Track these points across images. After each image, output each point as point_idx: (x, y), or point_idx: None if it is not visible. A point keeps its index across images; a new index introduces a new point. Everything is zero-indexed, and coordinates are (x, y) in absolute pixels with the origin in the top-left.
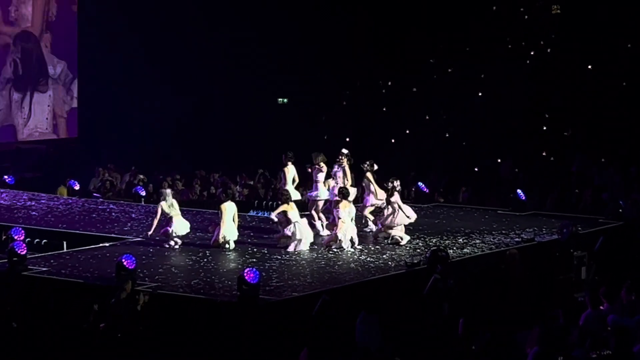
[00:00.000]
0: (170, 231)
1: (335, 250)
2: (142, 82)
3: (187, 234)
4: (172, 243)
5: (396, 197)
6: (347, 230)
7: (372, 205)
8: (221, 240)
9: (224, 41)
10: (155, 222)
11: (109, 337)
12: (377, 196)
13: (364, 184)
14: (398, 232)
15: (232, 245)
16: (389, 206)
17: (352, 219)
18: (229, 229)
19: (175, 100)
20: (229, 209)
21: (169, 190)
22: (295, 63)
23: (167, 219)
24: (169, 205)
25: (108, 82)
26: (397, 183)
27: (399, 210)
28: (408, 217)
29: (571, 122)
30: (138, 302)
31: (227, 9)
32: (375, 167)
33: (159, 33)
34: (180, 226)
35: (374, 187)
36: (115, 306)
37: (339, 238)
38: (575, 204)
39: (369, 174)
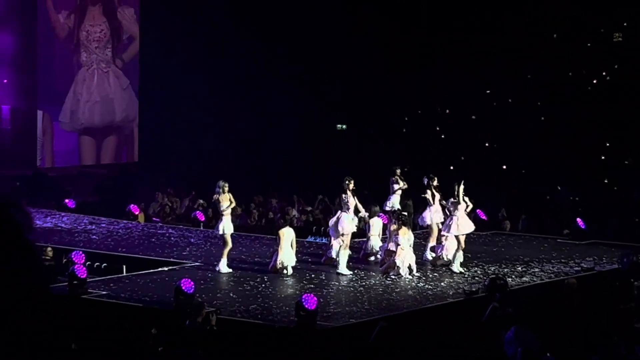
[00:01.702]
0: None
1: (393, 276)
2: (201, 109)
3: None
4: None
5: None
6: (405, 257)
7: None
8: (279, 265)
9: (283, 69)
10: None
11: None
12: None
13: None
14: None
15: (290, 271)
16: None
17: (410, 246)
18: (287, 255)
19: (235, 126)
20: (287, 235)
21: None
22: (354, 90)
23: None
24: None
25: (168, 107)
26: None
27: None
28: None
29: (632, 150)
30: (210, 322)
31: (287, 37)
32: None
33: (219, 60)
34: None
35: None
36: (191, 330)
37: (397, 265)
38: (636, 232)
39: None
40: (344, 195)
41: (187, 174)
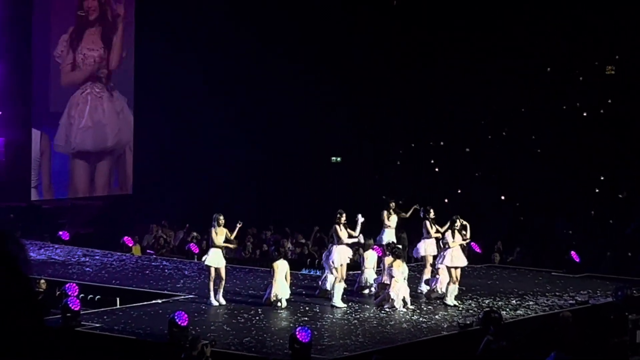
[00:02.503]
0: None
1: (387, 309)
2: (194, 143)
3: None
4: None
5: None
6: (399, 290)
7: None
8: (273, 298)
9: (277, 100)
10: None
11: None
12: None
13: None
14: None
15: (284, 304)
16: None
17: (405, 279)
18: (281, 287)
19: (229, 159)
20: (282, 267)
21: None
22: (349, 122)
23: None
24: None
25: (161, 141)
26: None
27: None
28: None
29: (626, 184)
30: (205, 354)
31: (279, 67)
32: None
33: (213, 94)
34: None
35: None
36: None
37: (392, 297)
38: (630, 266)
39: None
40: (335, 228)
41: (182, 207)
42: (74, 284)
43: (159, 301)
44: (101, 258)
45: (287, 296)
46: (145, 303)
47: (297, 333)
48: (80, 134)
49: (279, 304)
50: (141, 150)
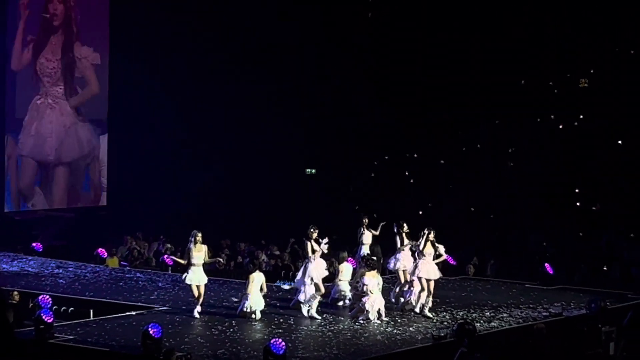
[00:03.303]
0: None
1: (362, 321)
2: (169, 153)
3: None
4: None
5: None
6: (374, 302)
7: None
8: (247, 310)
9: (251, 112)
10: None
11: None
12: None
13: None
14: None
15: (259, 315)
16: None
17: (379, 290)
18: (255, 299)
19: (203, 170)
20: (257, 279)
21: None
22: (323, 134)
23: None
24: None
25: (136, 152)
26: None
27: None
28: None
29: (600, 196)
30: None
31: (255, 79)
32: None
33: (187, 104)
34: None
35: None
36: None
37: (367, 309)
38: (604, 278)
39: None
40: (306, 243)
41: (156, 218)
42: (47, 296)
43: (133, 313)
44: (75, 270)
45: (262, 307)
46: (119, 315)
47: (271, 345)
48: (34, 141)
49: (253, 315)
50: (115, 162)
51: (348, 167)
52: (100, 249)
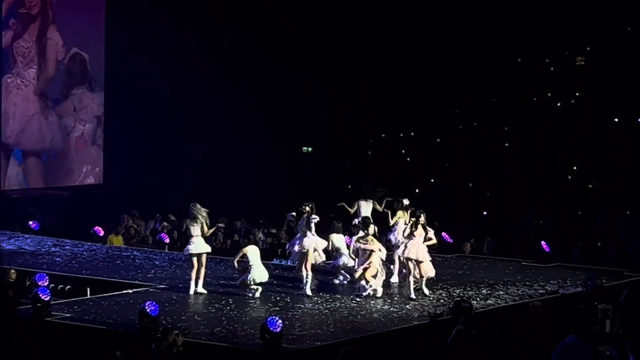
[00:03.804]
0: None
1: (363, 296)
2: (165, 131)
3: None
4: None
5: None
6: (379, 267)
7: None
8: (250, 282)
9: (248, 89)
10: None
11: None
12: None
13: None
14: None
15: (260, 290)
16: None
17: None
18: (259, 271)
19: (199, 148)
20: (253, 251)
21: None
22: (320, 111)
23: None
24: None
25: (132, 131)
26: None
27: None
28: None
29: (597, 174)
30: (177, 344)
31: (251, 58)
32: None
33: (185, 82)
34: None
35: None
36: (157, 353)
37: (377, 269)
38: (600, 256)
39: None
40: (304, 217)
41: (153, 196)
42: (44, 274)
43: (130, 291)
44: (71, 248)
45: (265, 279)
46: (115, 293)
47: (268, 323)
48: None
49: (253, 288)
50: (112, 142)
51: (344, 145)
52: (96, 227)
